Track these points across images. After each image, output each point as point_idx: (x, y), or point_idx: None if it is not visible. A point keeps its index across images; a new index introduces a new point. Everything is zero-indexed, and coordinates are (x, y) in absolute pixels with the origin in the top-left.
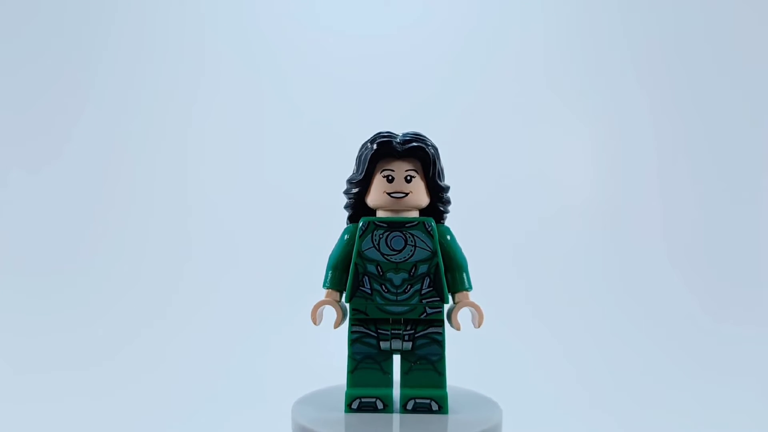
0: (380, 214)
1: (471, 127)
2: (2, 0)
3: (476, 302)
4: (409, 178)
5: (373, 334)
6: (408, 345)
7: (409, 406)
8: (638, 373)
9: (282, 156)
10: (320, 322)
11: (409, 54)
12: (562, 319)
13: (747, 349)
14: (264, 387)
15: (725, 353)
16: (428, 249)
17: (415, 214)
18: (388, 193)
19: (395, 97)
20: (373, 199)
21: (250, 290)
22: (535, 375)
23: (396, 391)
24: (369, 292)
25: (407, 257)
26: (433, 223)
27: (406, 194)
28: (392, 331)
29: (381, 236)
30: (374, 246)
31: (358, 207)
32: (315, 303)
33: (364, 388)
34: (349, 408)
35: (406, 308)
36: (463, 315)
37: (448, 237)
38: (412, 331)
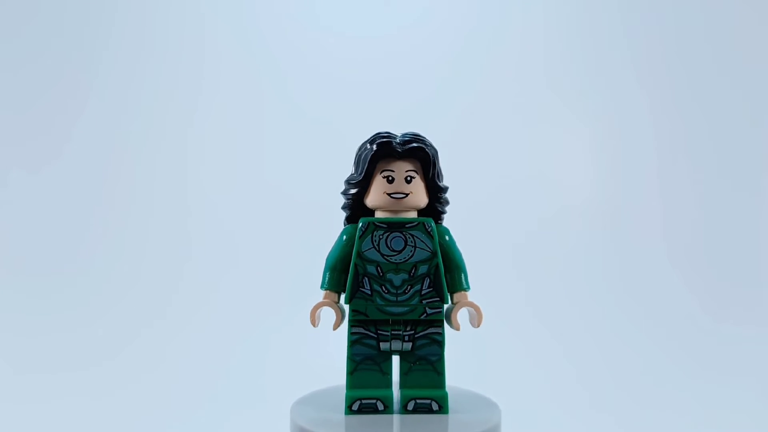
0: (379, 214)
1: (471, 127)
2: (2, 0)
3: (474, 302)
4: (409, 178)
5: (373, 335)
6: (408, 345)
7: (410, 407)
8: (638, 373)
9: (282, 156)
10: (319, 323)
11: (409, 54)
12: (562, 319)
13: (747, 349)
14: (264, 387)
15: (725, 353)
16: (428, 249)
17: (414, 214)
18: (389, 194)
19: (395, 97)
20: (373, 199)
21: (250, 290)
22: (534, 375)
23: (395, 392)
24: (369, 293)
25: (407, 258)
26: (433, 224)
27: (407, 195)
28: (392, 332)
29: (381, 237)
30: (374, 247)
31: (356, 207)
32: (314, 305)
33: (364, 390)
34: (349, 410)
35: (406, 309)
36: (461, 315)
37: (447, 237)
38: (412, 332)
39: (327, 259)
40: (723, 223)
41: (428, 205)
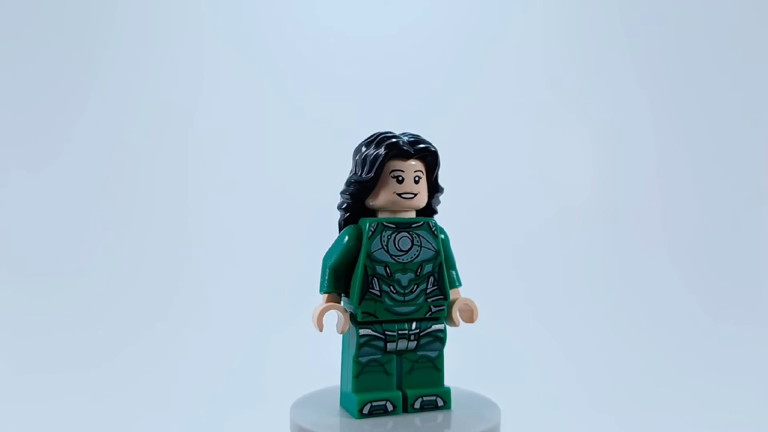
0: (381, 215)
1: (471, 127)
2: (2, 0)
3: (469, 298)
4: (417, 178)
5: (381, 336)
6: (413, 344)
7: (417, 405)
8: (638, 373)
9: (282, 156)
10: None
11: (409, 54)
12: (562, 320)
13: (747, 349)
14: (264, 387)
15: (725, 353)
16: (432, 249)
17: (413, 214)
18: (399, 194)
19: (395, 97)
20: (381, 199)
21: (251, 291)
22: (534, 375)
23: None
24: (378, 293)
25: (414, 257)
26: (436, 223)
27: (415, 195)
28: (399, 332)
29: (389, 237)
30: (383, 247)
31: (356, 208)
32: (319, 309)
33: (373, 392)
34: (360, 413)
35: (413, 308)
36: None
37: (443, 236)
38: (417, 330)
39: (326, 261)
40: (723, 223)
41: (426, 204)
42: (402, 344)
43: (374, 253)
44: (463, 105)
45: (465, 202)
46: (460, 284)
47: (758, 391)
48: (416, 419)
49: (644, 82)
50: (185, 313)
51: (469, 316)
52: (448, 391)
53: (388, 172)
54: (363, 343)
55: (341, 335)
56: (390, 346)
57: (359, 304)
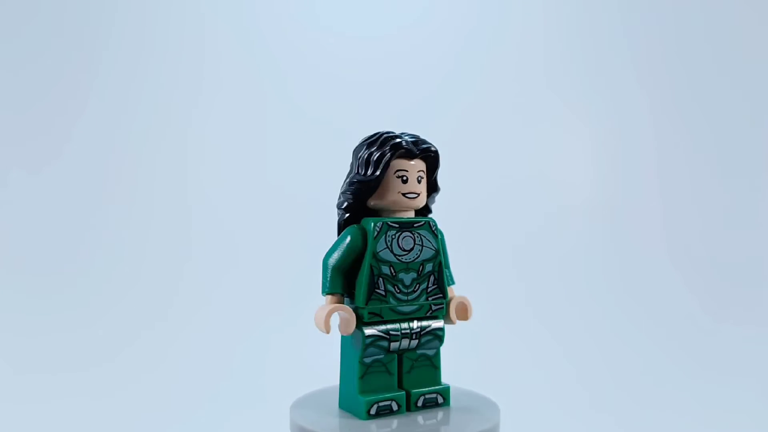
0: (384, 215)
1: (471, 127)
2: (2, 0)
3: (463, 295)
4: (419, 178)
5: (386, 336)
6: (414, 343)
7: (420, 403)
8: (638, 373)
9: (282, 156)
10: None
11: (409, 54)
12: (562, 319)
13: (747, 349)
14: (264, 387)
15: (725, 353)
16: (433, 248)
17: (412, 214)
18: (403, 194)
19: (395, 97)
20: (386, 199)
21: (251, 291)
22: (534, 375)
23: None
24: (383, 294)
25: (416, 257)
26: (436, 223)
27: (418, 194)
28: (402, 331)
29: (393, 237)
30: (388, 247)
31: (358, 208)
32: (326, 310)
33: (379, 393)
34: (368, 414)
35: (415, 307)
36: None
37: (439, 236)
38: (419, 329)
39: (329, 262)
40: (723, 223)
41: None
42: (404, 343)
43: (379, 253)
44: (463, 105)
45: (465, 201)
46: (453, 282)
47: (758, 391)
48: (419, 417)
49: (644, 82)
50: (185, 313)
51: (464, 314)
52: (447, 388)
53: (392, 171)
54: (369, 344)
55: (341, 338)
56: (393, 345)
57: (366, 304)
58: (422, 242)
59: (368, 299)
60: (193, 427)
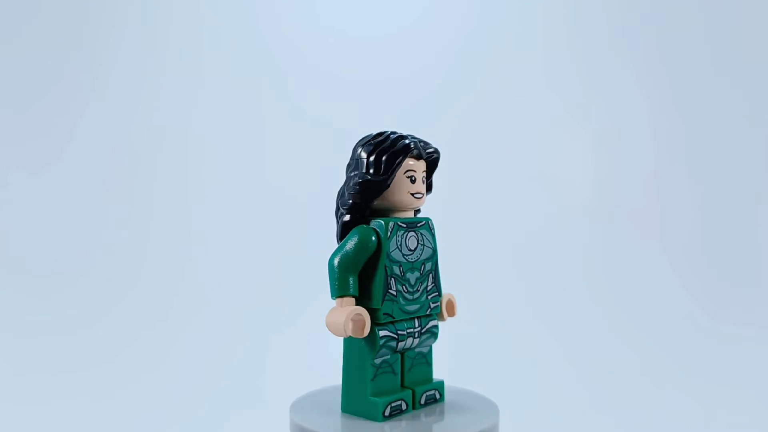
0: (391, 215)
1: (471, 127)
2: (2, 0)
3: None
4: (423, 179)
5: (395, 336)
6: (416, 342)
7: (422, 401)
8: (638, 373)
9: (282, 156)
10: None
11: (409, 54)
12: (562, 319)
13: (747, 349)
14: (264, 387)
15: (725, 353)
16: (432, 247)
17: (411, 214)
18: (411, 194)
19: (395, 97)
20: (396, 199)
21: (251, 290)
22: (534, 375)
23: None
24: (395, 293)
25: (419, 256)
26: (432, 222)
27: (423, 194)
28: (407, 330)
29: (402, 237)
30: (398, 247)
31: (364, 209)
32: (344, 312)
33: (390, 394)
34: (383, 416)
35: (418, 306)
36: None
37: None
38: (420, 328)
39: (340, 264)
40: (722, 223)
41: None
42: (409, 342)
43: (391, 253)
44: (463, 105)
45: (465, 201)
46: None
47: (758, 391)
48: (421, 415)
49: (644, 83)
50: (185, 313)
51: (452, 310)
52: (442, 383)
53: (402, 172)
54: (382, 345)
55: (342, 339)
56: (400, 345)
57: (381, 304)
58: (424, 242)
59: (383, 300)
60: (193, 427)
